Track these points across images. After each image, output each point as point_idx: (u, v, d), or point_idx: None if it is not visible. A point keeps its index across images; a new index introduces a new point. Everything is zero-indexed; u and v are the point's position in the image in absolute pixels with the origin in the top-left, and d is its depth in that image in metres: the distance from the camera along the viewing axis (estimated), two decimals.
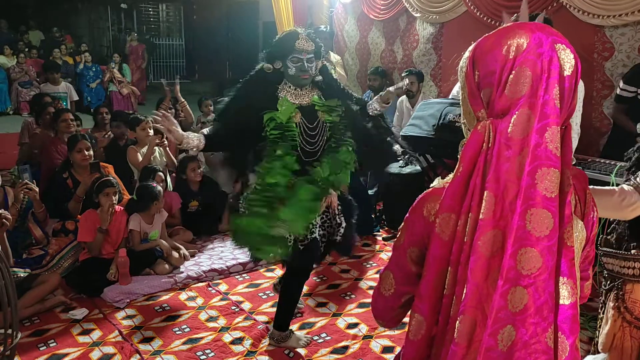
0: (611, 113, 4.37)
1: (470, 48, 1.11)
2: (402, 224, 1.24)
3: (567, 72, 1.03)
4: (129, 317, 3.38)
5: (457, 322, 1.05)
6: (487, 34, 1.10)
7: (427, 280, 1.13)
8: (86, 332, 3.21)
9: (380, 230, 4.92)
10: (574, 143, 3.30)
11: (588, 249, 1.23)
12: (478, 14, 5.35)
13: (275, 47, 2.80)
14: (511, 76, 1.03)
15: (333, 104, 2.88)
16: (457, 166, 1.10)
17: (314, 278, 3.96)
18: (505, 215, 1.03)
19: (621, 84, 4.09)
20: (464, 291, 1.05)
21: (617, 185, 3.00)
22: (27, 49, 12.07)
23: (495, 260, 1.03)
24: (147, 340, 3.13)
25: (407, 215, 1.22)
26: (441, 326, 1.12)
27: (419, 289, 1.15)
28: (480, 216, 1.04)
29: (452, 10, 5.68)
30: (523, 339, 1.04)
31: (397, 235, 1.26)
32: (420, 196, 1.21)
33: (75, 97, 7.69)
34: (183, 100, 5.62)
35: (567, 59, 1.04)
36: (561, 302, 1.06)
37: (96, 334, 3.18)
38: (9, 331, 2.21)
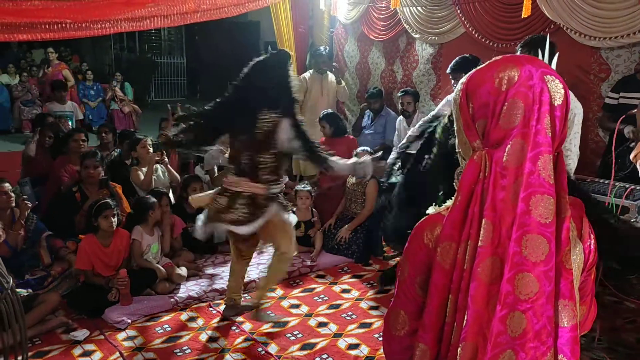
0: (599, 122, 4.46)
1: (463, 81, 1.15)
2: (402, 257, 1.25)
3: (558, 101, 1.07)
4: (129, 338, 3.38)
5: (459, 348, 1.07)
6: (478, 67, 1.14)
7: (430, 309, 1.15)
8: (87, 353, 3.21)
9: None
10: (573, 165, 3.34)
11: (586, 275, 1.24)
12: (477, 35, 5.42)
13: None
14: (504, 108, 1.07)
15: None
16: (455, 195, 1.12)
17: (315, 298, 3.96)
18: (503, 242, 1.05)
19: (609, 93, 4.28)
20: (465, 318, 1.07)
21: (617, 206, 3.06)
22: (29, 68, 12.16)
23: (495, 286, 1.05)
24: None
25: (407, 245, 1.24)
26: (443, 354, 1.14)
27: (423, 318, 1.17)
28: (479, 243, 1.06)
29: (451, 31, 5.75)
30: None
31: (398, 271, 1.26)
32: (416, 225, 1.23)
33: (80, 116, 7.70)
34: None
35: (557, 89, 1.07)
36: (562, 324, 1.08)
37: (97, 356, 3.18)
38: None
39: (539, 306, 1.04)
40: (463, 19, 5.54)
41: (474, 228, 1.08)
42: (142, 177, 4.76)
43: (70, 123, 6.99)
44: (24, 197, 3.91)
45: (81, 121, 8.24)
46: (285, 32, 6.77)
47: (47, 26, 4.07)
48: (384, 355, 1.35)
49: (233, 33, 13.04)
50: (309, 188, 4.84)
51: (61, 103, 7.30)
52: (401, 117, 5.62)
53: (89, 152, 4.60)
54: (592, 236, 1.21)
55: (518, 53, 3.71)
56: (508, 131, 1.06)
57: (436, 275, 1.13)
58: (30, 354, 3.15)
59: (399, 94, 5.70)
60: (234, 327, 3.51)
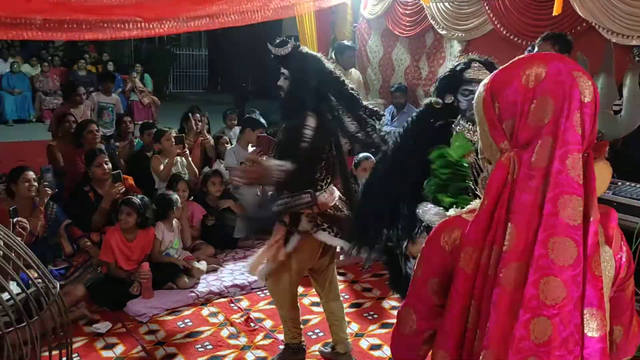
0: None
1: (486, 81, 1.11)
2: (418, 257, 1.22)
3: (587, 98, 1.02)
4: (151, 332, 3.37)
5: (481, 356, 1.03)
6: (501, 67, 1.11)
7: (451, 315, 1.11)
8: (109, 346, 3.20)
9: None
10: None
11: (618, 291, 1.16)
12: (504, 32, 5.32)
13: (445, 79, 2.45)
14: (533, 105, 1.03)
15: None
16: (482, 200, 1.08)
17: None
18: (528, 247, 1.01)
19: None
20: (487, 325, 1.03)
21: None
22: (50, 58, 12.26)
23: (518, 292, 1.01)
24: (169, 357, 3.12)
25: (424, 247, 1.21)
26: None
27: (444, 324, 1.13)
28: (504, 248, 1.02)
29: (479, 28, 5.66)
30: None
31: (414, 270, 1.24)
32: (435, 227, 1.20)
33: (122, 110, 7.54)
34: (208, 136, 5.64)
35: (586, 85, 1.03)
36: (590, 334, 1.02)
37: (119, 349, 3.18)
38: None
39: (566, 313, 0.99)
40: (491, 15, 5.44)
41: (499, 232, 1.03)
42: (162, 167, 4.78)
43: (111, 115, 6.97)
44: (45, 183, 3.88)
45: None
46: (307, 26, 6.71)
47: (120, 25, 3.89)
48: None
49: (255, 25, 13.01)
50: None
51: (107, 94, 7.21)
52: None
53: (94, 150, 4.48)
54: (624, 248, 1.15)
55: (536, 47, 3.63)
56: (538, 129, 1.02)
57: (458, 280, 1.10)
58: (52, 345, 3.15)
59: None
60: (253, 324, 3.48)
